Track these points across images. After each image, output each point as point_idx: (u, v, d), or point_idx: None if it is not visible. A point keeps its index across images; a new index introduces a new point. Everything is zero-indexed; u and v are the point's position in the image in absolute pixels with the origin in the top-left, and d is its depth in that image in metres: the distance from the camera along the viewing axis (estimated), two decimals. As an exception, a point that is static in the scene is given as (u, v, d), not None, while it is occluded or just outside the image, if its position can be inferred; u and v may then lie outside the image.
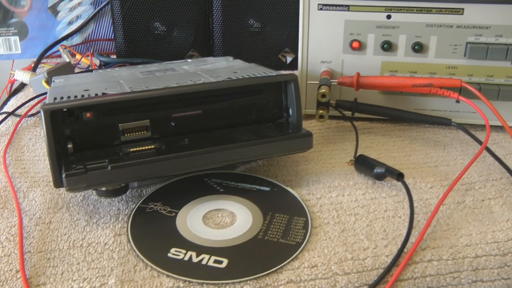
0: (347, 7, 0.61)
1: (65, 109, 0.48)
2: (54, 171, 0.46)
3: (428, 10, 0.61)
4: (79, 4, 0.92)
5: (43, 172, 0.56)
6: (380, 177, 0.53)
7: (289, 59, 0.83)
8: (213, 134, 0.52)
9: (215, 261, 0.42)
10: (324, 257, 0.43)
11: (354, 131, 0.64)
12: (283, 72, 0.55)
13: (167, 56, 0.82)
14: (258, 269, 0.41)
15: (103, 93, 0.50)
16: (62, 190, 0.53)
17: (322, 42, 0.63)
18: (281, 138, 0.50)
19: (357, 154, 0.56)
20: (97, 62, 0.83)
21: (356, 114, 0.63)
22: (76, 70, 0.78)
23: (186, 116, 0.52)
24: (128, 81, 0.55)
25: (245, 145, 0.48)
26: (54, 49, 0.88)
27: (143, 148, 0.49)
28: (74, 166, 0.45)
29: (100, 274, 0.41)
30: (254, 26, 0.82)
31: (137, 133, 0.51)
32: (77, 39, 0.93)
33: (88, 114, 0.49)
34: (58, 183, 0.46)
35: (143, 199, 0.50)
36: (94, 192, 0.51)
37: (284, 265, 0.42)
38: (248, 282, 0.40)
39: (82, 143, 0.49)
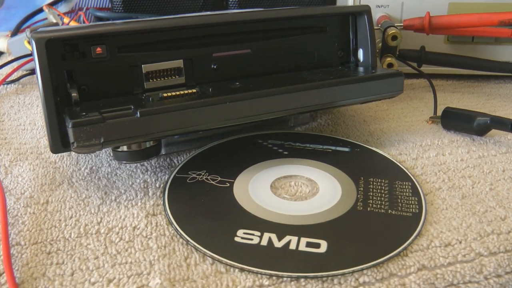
0: None
1: (67, 41, 0.31)
2: (51, 127, 0.29)
3: None
4: (64, -32, 0.75)
5: (31, 142, 0.39)
6: (482, 131, 0.37)
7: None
8: (270, 78, 0.36)
9: (309, 244, 0.26)
10: (457, 232, 0.27)
11: (418, 88, 0.49)
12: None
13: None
14: (374, 253, 0.25)
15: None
16: (60, 163, 0.36)
17: (379, -21, 0.48)
18: (366, 77, 0.34)
19: (440, 109, 0.41)
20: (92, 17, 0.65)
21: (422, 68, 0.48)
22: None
23: (231, 57, 0.36)
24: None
25: (319, 85, 0.32)
26: (36, 19, 0.70)
27: (181, 92, 0.32)
28: (84, 114, 0.28)
29: (134, 272, 0.25)
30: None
31: (166, 79, 0.34)
32: (63, 8, 0.75)
33: (98, 49, 0.32)
34: (57, 146, 0.29)
35: (179, 166, 0.34)
36: (106, 162, 0.34)
37: (408, 244, 0.26)
38: (365, 271, 0.25)
39: (90, 90, 0.32)
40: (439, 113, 0.40)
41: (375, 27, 0.45)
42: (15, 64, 0.53)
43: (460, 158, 0.35)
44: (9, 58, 0.55)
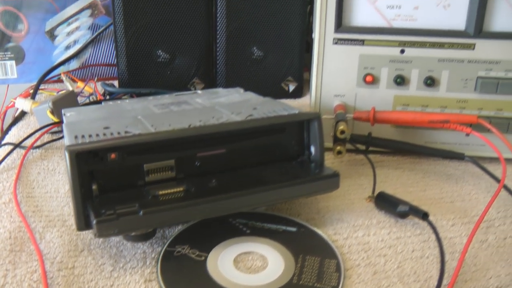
0: (361, 42, 0.61)
1: (90, 151, 0.46)
2: (78, 214, 0.44)
3: (441, 45, 0.61)
4: (77, 28, 0.90)
5: (57, 210, 0.54)
6: (403, 216, 0.52)
7: (291, 87, 0.83)
8: (239, 173, 0.51)
9: (254, 310, 0.40)
10: (361, 303, 0.42)
11: (367, 164, 0.63)
12: (298, 108, 0.54)
13: (170, 84, 0.81)
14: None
15: (126, 132, 0.48)
16: (81, 231, 0.50)
17: (336, 76, 0.63)
18: (310, 179, 0.49)
19: (376, 191, 0.55)
20: (101, 90, 0.80)
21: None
22: (79, 98, 0.76)
23: (210, 155, 0.51)
24: (147, 117, 0.54)
25: (275, 187, 0.47)
26: (52, 74, 0.85)
27: (172, 191, 0.47)
28: (103, 211, 0.43)
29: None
30: (257, 54, 0.81)
31: (161, 173, 0.49)
32: (74, 64, 0.90)
33: (113, 155, 0.47)
34: (82, 227, 0.44)
35: (168, 241, 0.48)
36: (117, 234, 0.49)
37: (323, 312, 0.41)
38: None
39: (106, 184, 0.47)
40: (378, 190, 0.55)
41: (331, 116, 0.60)
42: (40, 131, 0.68)
43: (381, 238, 0.50)
44: (32, 120, 0.70)
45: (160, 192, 0.47)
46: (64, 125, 0.53)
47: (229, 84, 0.83)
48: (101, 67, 0.91)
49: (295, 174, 0.50)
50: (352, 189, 0.58)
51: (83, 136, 0.47)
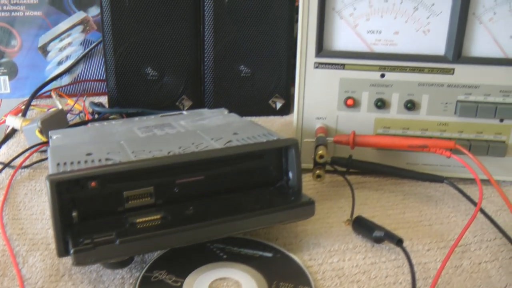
0: (342, 66, 0.63)
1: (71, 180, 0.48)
2: (58, 241, 0.46)
3: (421, 70, 0.62)
4: (69, 44, 0.92)
5: (42, 233, 0.56)
6: (379, 241, 0.54)
7: (278, 104, 0.84)
8: (216, 200, 0.52)
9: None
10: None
11: (348, 186, 0.65)
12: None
13: (159, 101, 0.83)
14: None
15: (107, 159, 0.50)
16: (64, 255, 0.52)
17: (318, 99, 0.64)
18: (285, 207, 0.51)
19: (354, 215, 0.57)
20: (90, 108, 0.82)
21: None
22: (69, 116, 0.78)
23: (189, 182, 0.52)
24: (129, 142, 0.56)
25: (250, 215, 0.49)
26: (44, 90, 0.87)
27: (149, 218, 0.49)
28: (81, 240, 0.45)
29: None
30: (245, 71, 0.83)
31: (141, 200, 0.51)
32: (66, 79, 0.92)
33: (93, 183, 0.49)
34: (62, 253, 0.46)
35: (146, 266, 0.50)
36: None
37: None
38: None
39: (87, 211, 0.49)
40: (357, 213, 0.57)
41: (312, 140, 0.62)
42: (29, 151, 0.70)
43: (356, 263, 0.52)
44: (22, 138, 0.72)
45: (138, 220, 0.48)
46: (49, 150, 0.55)
47: (217, 101, 0.84)
48: (93, 82, 0.93)
49: (270, 201, 0.52)
50: (332, 212, 0.60)
51: (65, 164, 0.49)
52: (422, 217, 0.60)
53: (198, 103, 0.85)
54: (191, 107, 0.84)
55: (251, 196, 0.53)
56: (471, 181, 0.67)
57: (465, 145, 0.64)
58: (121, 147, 0.54)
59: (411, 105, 0.63)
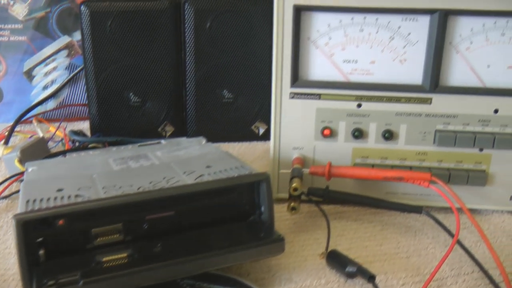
0: (318, 96, 0.63)
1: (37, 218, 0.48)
2: (25, 281, 0.46)
3: (398, 100, 0.63)
4: (54, 69, 0.93)
5: (14, 268, 0.56)
6: (352, 276, 0.54)
7: (261, 130, 0.85)
8: (185, 237, 0.53)
9: None
10: None
11: (328, 214, 0.65)
12: (254, 170, 0.56)
13: (141, 127, 0.84)
14: None
15: (77, 195, 0.50)
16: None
17: (294, 129, 0.65)
18: (254, 245, 0.51)
19: (329, 248, 0.57)
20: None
21: (329, 198, 0.64)
22: (51, 143, 0.79)
23: (159, 217, 0.53)
24: (102, 176, 0.56)
25: (218, 254, 0.49)
26: (29, 114, 0.88)
27: (116, 257, 0.49)
28: (45, 281, 0.45)
29: None
30: (227, 97, 0.84)
31: (109, 237, 0.51)
32: (52, 104, 0.93)
33: (61, 222, 0.49)
34: (28, 292, 0.47)
35: (115, 305, 0.50)
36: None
37: None
38: None
39: (54, 249, 0.49)
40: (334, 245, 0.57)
41: (287, 171, 0.62)
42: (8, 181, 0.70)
43: (326, 300, 0.52)
44: (3, 166, 0.73)
45: (104, 259, 0.49)
46: (21, 185, 0.56)
47: (199, 127, 0.85)
48: (78, 106, 0.94)
49: (240, 238, 0.52)
50: (307, 244, 0.60)
51: (34, 201, 0.50)
52: (399, 249, 0.60)
53: (181, 129, 0.85)
54: (174, 133, 0.85)
55: (221, 232, 0.53)
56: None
57: (444, 175, 0.64)
58: (93, 181, 0.55)
59: (388, 135, 0.64)
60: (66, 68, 0.93)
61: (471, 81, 0.62)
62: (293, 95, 0.63)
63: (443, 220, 0.65)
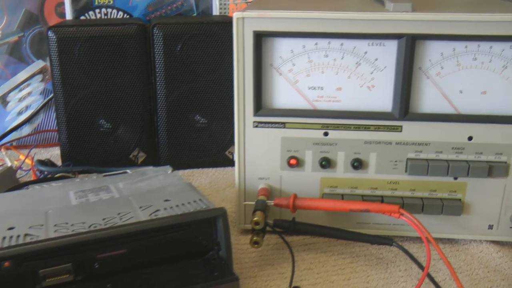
0: (283, 125, 0.62)
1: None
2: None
3: (366, 128, 0.61)
4: (29, 94, 0.93)
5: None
6: (311, 315, 0.53)
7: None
8: (136, 276, 0.52)
9: None
10: None
11: (295, 247, 0.64)
12: (211, 206, 0.55)
13: (113, 154, 0.84)
14: None
15: (27, 234, 0.50)
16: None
17: (259, 159, 0.64)
18: (205, 285, 0.50)
19: (293, 284, 0.56)
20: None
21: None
22: (20, 172, 0.79)
23: (111, 256, 0.52)
24: (57, 212, 0.56)
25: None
26: (4, 141, 0.88)
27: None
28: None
29: None
30: (201, 121, 0.83)
31: (59, 277, 0.51)
32: (26, 130, 0.94)
33: (6, 263, 0.49)
34: None
35: None
36: None
37: None
38: None
39: (1, 291, 0.49)
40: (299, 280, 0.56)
41: (251, 203, 0.61)
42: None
43: None
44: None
45: (49, 305, 0.48)
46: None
47: (172, 153, 0.85)
48: (54, 132, 0.94)
49: (192, 277, 0.51)
50: (272, 279, 0.59)
51: (-19, 240, 0.49)
52: (368, 283, 0.58)
53: (153, 156, 0.85)
54: (146, 160, 0.84)
55: (174, 270, 0.53)
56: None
57: (417, 204, 0.63)
58: (47, 218, 0.54)
59: (358, 164, 0.62)
60: (40, 93, 0.93)
61: (444, 108, 0.61)
62: (257, 124, 0.62)
63: (418, 250, 0.64)
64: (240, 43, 0.59)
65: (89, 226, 0.51)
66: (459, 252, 0.64)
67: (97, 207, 0.57)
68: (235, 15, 0.59)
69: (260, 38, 0.60)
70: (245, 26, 0.59)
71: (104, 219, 0.53)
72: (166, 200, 0.57)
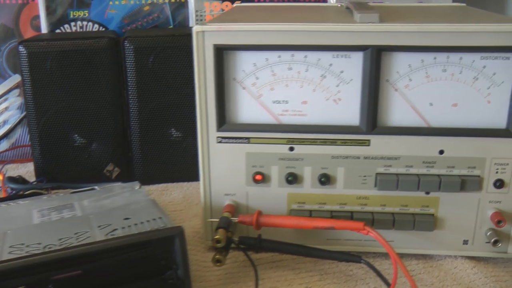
0: (247, 140, 0.62)
1: None
2: None
3: (333, 142, 0.61)
4: (6, 109, 0.94)
5: None
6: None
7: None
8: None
9: None
10: None
11: (263, 265, 0.63)
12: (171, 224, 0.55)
13: (87, 169, 0.84)
14: None
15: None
16: None
17: (225, 175, 0.63)
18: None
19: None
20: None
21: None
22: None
23: (66, 277, 0.52)
24: (15, 232, 0.56)
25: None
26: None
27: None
28: None
29: None
30: (175, 135, 0.83)
31: (10, 300, 0.51)
32: (4, 145, 0.94)
33: (-45, 287, 0.49)
34: None
35: None
36: None
37: None
38: None
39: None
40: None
41: (215, 220, 0.61)
42: None
43: None
44: None
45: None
46: None
47: (146, 168, 0.85)
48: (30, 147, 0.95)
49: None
50: (237, 299, 0.59)
51: None
52: (335, 303, 0.58)
53: (127, 171, 0.85)
54: (120, 175, 0.84)
55: (130, 291, 0.53)
56: (400, 255, 0.64)
57: (388, 220, 0.62)
58: (4, 239, 0.55)
59: (325, 179, 0.62)
60: (18, 107, 0.94)
61: (413, 121, 0.60)
62: (221, 140, 0.62)
63: (389, 267, 0.63)
64: (201, 57, 0.59)
65: (44, 247, 0.52)
66: (432, 268, 0.63)
67: (58, 226, 0.57)
68: (195, 29, 0.59)
69: (221, 52, 0.59)
70: (205, 39, 0.59)
71: (60, 239, 0.53)
72: (126, 219, 0.57)
